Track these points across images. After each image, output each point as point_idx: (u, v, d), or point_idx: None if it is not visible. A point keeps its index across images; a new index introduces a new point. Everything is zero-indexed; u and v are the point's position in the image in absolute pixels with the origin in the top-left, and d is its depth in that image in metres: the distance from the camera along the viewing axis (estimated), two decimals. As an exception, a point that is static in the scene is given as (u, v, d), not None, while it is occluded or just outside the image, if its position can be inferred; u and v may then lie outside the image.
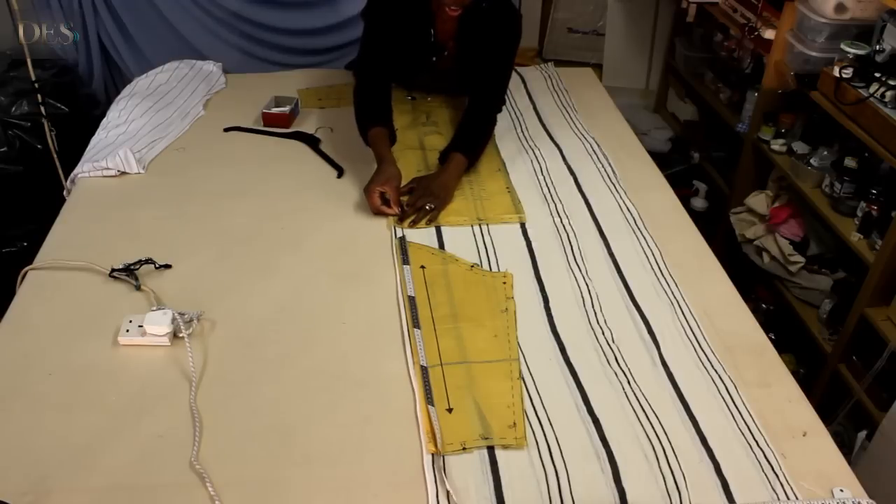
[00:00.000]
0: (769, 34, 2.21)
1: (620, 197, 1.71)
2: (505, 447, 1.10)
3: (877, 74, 1.81)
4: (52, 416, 1.14)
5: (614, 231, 1.60)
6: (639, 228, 1.61)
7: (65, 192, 1.79)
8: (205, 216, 1.63)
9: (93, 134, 1.93)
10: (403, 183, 1.70)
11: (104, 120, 1.99)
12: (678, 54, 3.01)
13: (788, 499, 1.03)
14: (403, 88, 2.12)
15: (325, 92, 2.19)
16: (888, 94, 1.77)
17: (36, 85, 2.31)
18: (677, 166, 2.89)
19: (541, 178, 1.79)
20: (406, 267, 1.46)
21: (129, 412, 1.15)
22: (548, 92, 2.24)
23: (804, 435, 1.14)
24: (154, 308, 1.31)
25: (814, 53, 2.06)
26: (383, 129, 1.76)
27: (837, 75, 1.88)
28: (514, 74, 2.25)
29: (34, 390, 1.19)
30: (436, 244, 1.55)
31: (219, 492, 1.02)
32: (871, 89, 1.80)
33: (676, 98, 3.14)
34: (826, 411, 1.89)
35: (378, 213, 1.61)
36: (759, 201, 2.32)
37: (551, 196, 1.72)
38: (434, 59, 1.93)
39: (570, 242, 1.56)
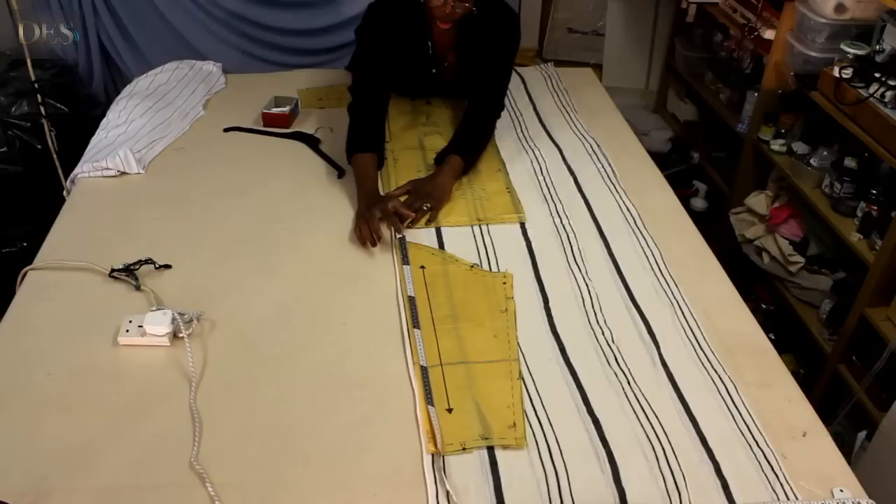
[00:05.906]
0: (769, 34, 2.21)
1: (620, 197, 1.71)
2: (505, 447, 1.10)
3: (877, 74, 1.81)
4: (52, 416, 1.15)
5: (614, 231, 1.60)
6: (639, 229, 1.61)
7: (65, 193, 1.79)
8: (205, 216, 1.63)
9: (93, 134, 1.93)
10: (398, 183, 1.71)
11: (104, 120, 1.98)
12: (678, 54, 3.01)
13: (788, 499, 1.03)
14: (405, 97, 2.10)
15: (325, 92, 2.19)
16: (888, 94, 1.77)
17: (36, 85, 2.31)
18: (677, 166, 2.89)
19: (541, 178, 1.79)
20: (406, 267, 1.46)
21: (129, 412, 1.15)
22: (548, 92, 2.24)
23: (804, 435, 1.14)
24: (154, 308, 1.31)
25: (814, 53, 2.06)
26: (373, 154, 1.72)
27: (837, 75, 1.88)
28: (514, 75, 2.25)
29: (34, 390, 1.19)
30: (436, 244, 1.55)
31: (219, 492, 1.02)
32: (871, 89, 1.80)
33: (676, 98, 3.14)
34: (826, 411, 1.89)
35: (374, 244, 1.51)
36: (758, 201, 2.32)
37: (551, 196, 1.72)
38: (434, 70, 1.92)
39: (570, 243, 1.56)
